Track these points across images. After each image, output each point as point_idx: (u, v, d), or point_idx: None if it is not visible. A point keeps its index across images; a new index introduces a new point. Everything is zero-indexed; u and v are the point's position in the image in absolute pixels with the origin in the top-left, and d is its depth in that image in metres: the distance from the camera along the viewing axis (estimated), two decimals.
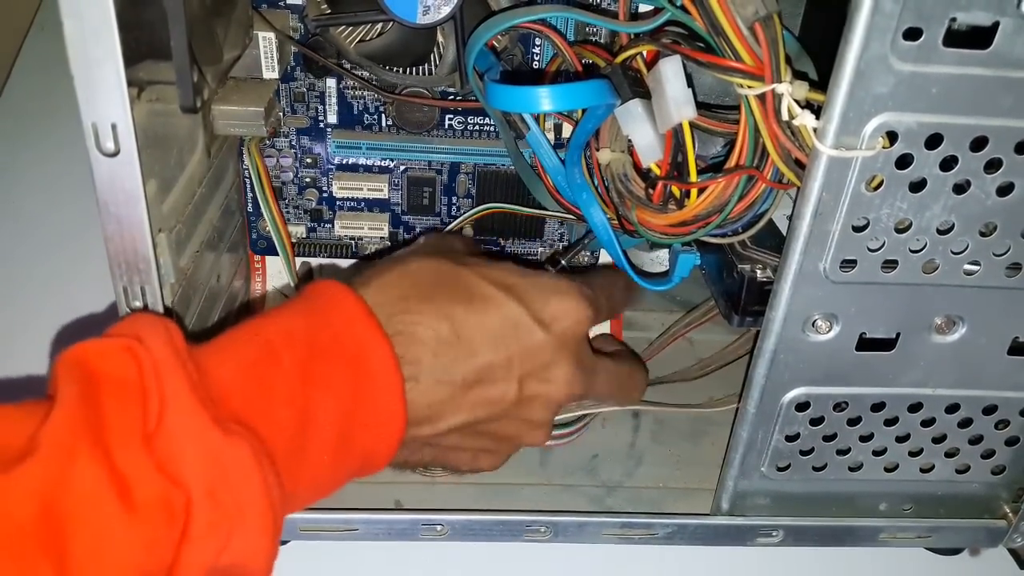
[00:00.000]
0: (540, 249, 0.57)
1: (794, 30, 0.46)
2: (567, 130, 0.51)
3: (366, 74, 0.49)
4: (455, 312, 0.40)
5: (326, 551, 0.45)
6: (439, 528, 0.44)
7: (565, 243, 0.57)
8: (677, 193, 0.40)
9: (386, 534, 0.44)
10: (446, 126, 0.52)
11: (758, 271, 0.40)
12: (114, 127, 0.32)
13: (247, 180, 0.53)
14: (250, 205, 0.54)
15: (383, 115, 0.52)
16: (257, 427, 0.33)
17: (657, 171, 0.41)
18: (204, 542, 0.31)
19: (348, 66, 0.49)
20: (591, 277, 0.46)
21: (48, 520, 0.28)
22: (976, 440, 0.43)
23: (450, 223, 0.55)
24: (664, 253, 0.55)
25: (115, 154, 0.32)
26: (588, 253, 0.57)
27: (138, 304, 0.36)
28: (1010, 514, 0.46)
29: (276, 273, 0.57)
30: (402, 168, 0.54)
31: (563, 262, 0.50)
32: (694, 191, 0.39)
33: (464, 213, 0.55)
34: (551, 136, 0.52)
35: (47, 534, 0.28)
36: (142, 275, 0.35)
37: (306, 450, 0.35)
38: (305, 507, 0.37)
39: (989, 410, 0.42)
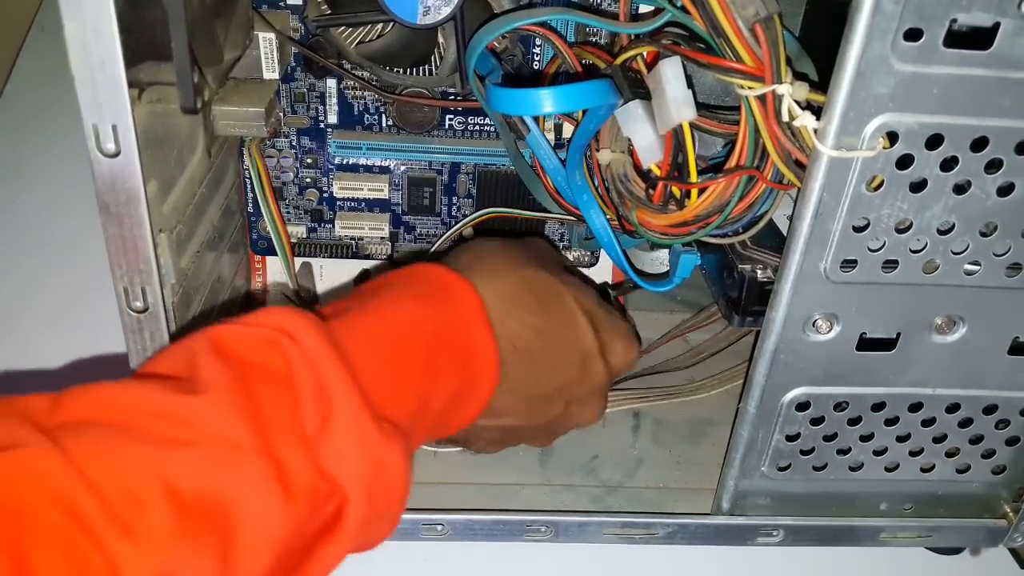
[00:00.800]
0: None
1: (794, 30, 0.46)
2: (568, 130, 0.51)
3: (366, 74, 0.49)
4: (551, 331, 0.42)
5: None
6: (440, 528, 0.44)
7: (565, 243, 0.57)
8: (677, 193, 0.40)
9: None
10: (446, 126, 0.52)
11: (758, 271, 0.40)
12: (115, 128, 0.32)
13: (247, 180, 0.53)
14: (250, 205, 0.54)
15: (383, 115, 0.52)
16: (393, 416, 0.35)
17: (657, 172, 0.41)
18: (354, 537, 0.33)
19: (348, 67, 0.49)
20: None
21: (211, 504, 0.28)
22: (976, 440, 0.44)
23: (451, 223, 0.55)
24: (664, 253, 0.55)
25: (116, 155, 0.32)
26: (589, 253, 0.57)
27: (139, 305, 0.36)
28: (1010, 514, 0.46)
29: (277, 273, 0.57)
30: (402, 168, 0.54)
31: (612, 295, 0.52)
32: (694, 191, 0.39)
33: (464, 214, 0.55)
34: (551, 136, 0.52)
35: (211, 517, 0.28)
36: (143, 276, 0.35)
37: (417, 430, 0.37)
38: None
39: (989, 410, 0.42)
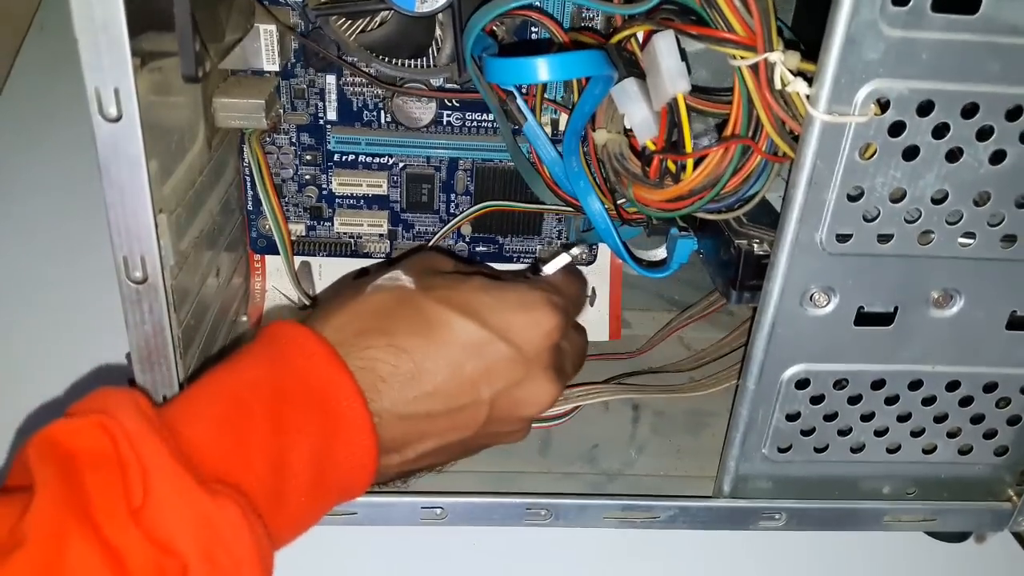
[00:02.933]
0: (539, 246, 0.57)
1: (786, 21, 0.47)
2: (564, 123, 0.52)
3: (365, 67, 0.50)
4: (414, 344, 0.39)
5: (326, 536, 0.44)
6: (439, 512, 0.43)
7: (563, 240, 0.57)
8: (673, 168, 0.40)
9: (386, 518, 0.44)
10: (444, 122, 0.53)
11: (755, 245, 0.40)
12: (117, 92, 0.32)
13: (247, 178, 0.53)
14: (250, 203, 0.54)
15: (382, 111, 0.52)
16: (236, 482, 0.34)
17: (653, 147, 0.41)
18: None
19: (348, 59, 0.49)
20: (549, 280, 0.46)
21: None
22: (978, 419, 0.43)
23: (449, 220, 0.55)
24: (662, 249, 0.55)
25: (117, 119, 0.33)
26: (588, 248, 0.57)
27: (138, 275, 0.36)
28: (1015, 497, 0.46)
29: (275, 272, 0.57)
30: (401, 165, 0.54)
31: (544, 269, 0.47)
32: (689, 164, 0.39)
33: (462, 210, 0.55)
34: (548, 131, 0.52)
35: None
36: (143, 244, 0.35)
37: (284, 496, 0.36)
38: (287, 544, 0.38)
39: (989, 387, 0.42)
